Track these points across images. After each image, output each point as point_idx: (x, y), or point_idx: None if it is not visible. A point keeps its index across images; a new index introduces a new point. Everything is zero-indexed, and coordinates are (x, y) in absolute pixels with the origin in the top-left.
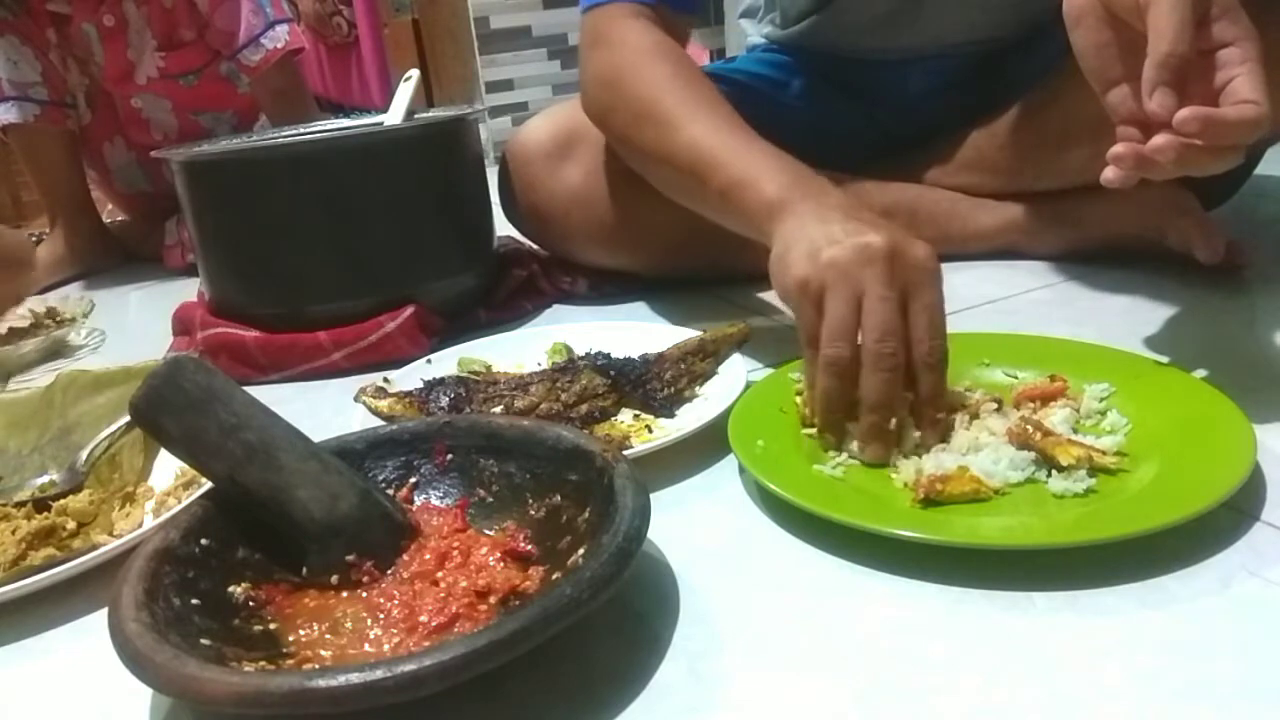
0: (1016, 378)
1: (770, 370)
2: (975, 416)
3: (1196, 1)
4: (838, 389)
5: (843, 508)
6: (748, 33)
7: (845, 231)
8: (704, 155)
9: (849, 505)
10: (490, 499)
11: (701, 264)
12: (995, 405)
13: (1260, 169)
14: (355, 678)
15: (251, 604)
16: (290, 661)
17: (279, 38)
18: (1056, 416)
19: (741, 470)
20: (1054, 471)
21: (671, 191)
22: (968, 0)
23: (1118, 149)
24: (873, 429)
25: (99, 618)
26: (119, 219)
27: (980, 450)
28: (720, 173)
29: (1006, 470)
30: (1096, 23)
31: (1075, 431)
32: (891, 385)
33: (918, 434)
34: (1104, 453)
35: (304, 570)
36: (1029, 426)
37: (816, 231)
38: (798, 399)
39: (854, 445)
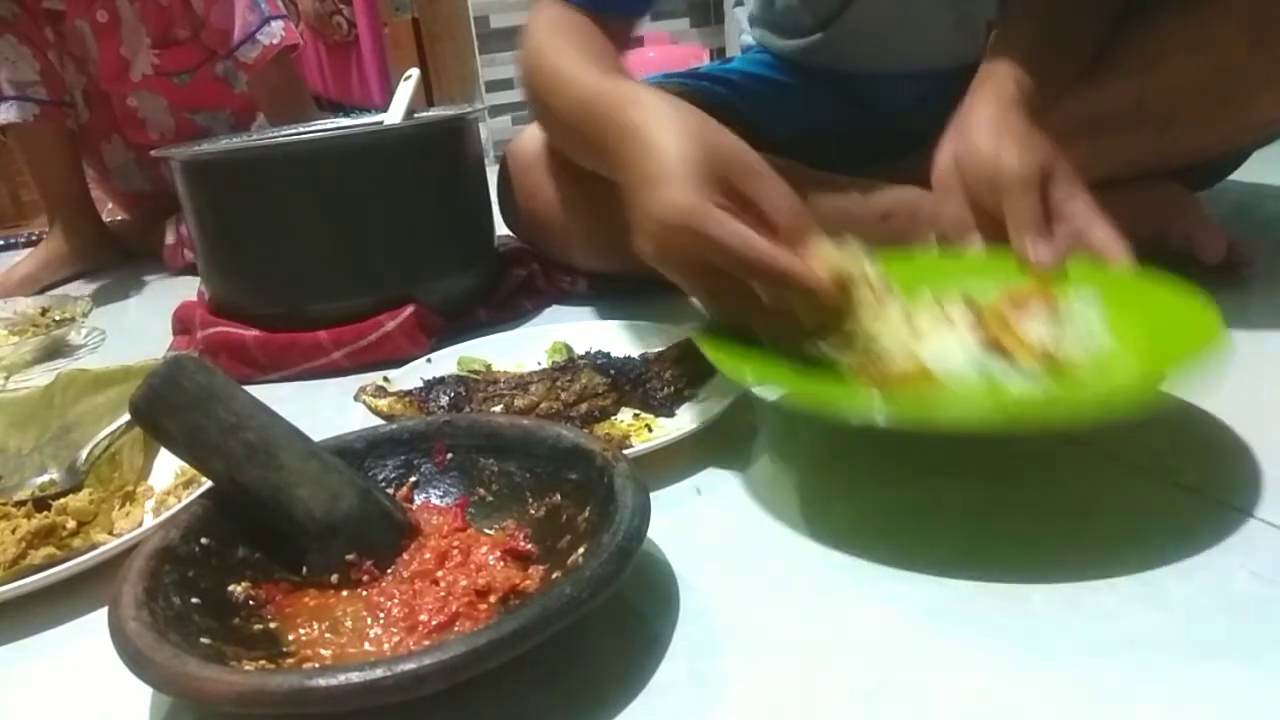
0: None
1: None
2: (945, 315)
3: (1040, 189)
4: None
5: (805, 390)
6: (741, 29)
7: (645, 209)
8: (576, 112)
9: (812, 389)
10: (490, 498)
11: None
12: (965, 304)
13: (1260, 168)
14: (355, 677)
15: (251, 603)
16: (290, 660)
17: (274, 33)
18: (1031, 316)
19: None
20: (1013, 367)
21: (583, 160)
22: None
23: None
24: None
25: (99, 617)
26: (119, 218)
27: (941, 345)
28: (592, 128)
29: (963, 362)
30: (958, 193)
31: (1049, 331)
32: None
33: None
34: (1068, 354)
35: (304, 569)
36: (992, 321)
37: (638, 205)
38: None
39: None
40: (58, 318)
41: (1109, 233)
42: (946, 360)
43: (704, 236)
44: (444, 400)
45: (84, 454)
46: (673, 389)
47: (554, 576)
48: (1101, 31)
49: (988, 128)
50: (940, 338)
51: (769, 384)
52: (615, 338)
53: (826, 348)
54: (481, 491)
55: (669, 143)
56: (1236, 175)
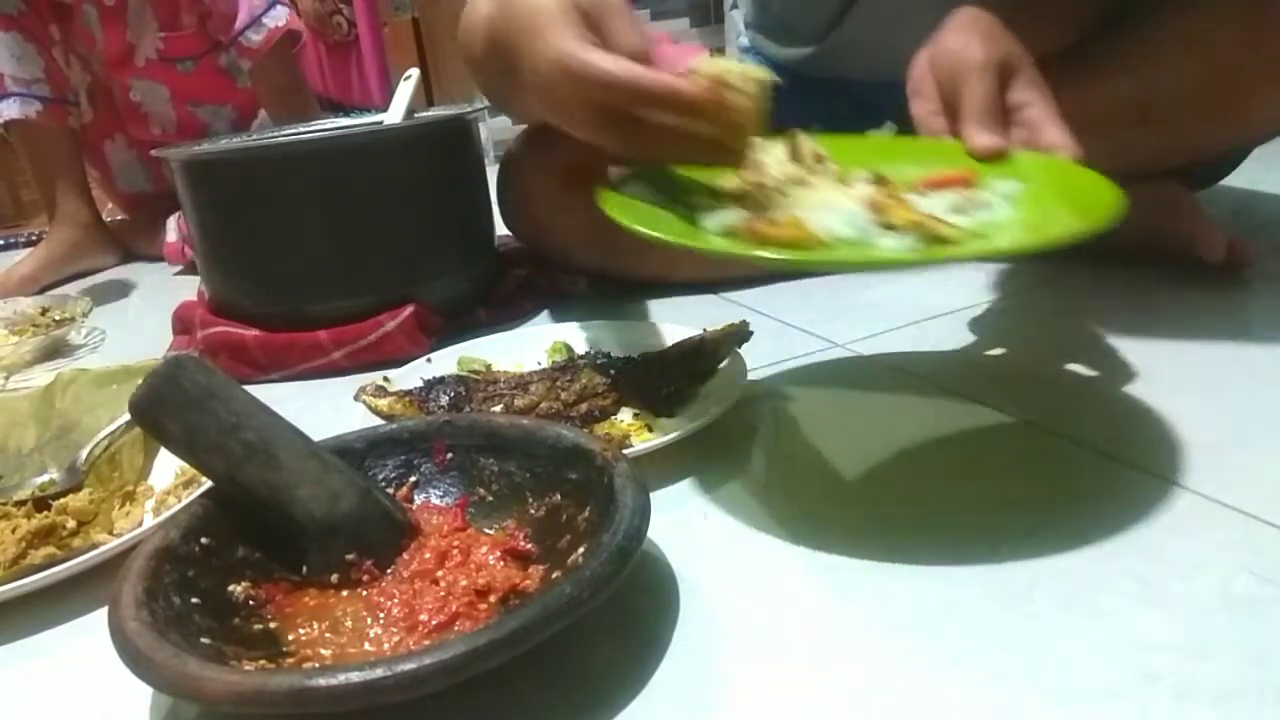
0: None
1: (770, 368)
2: (844, 186)
3: (996, 82)
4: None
5: (667, 230)
6: (739, 30)
7: (532, 65)
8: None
9: (674, 230)
10: (490, 498)
11: (703, 273)
12: (871, 178)
13: (1260, 169)
14: (355, 676)
15: (251, 603)
16: (290, 660)
17: (279, 17)
18: (940, 199)
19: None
20: (887, 233)
21: (501, 91)
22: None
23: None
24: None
25: (99, 616)
26: (119, 218)
27: (828, 207)
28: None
29: (839, 225)
30: (930, 94)
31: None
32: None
33: None
34: (946, 224)
35: (304, 569)
36: (884, 192)
37: (526, 66)
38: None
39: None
40: (58, 317)
41: (1061, 134)
42: (824, 220)
43: (583, 76)
44: (444, 400)
45: (84, 454)
46: (673, 389)
47: (554, 576)
48: (1070, 26)
49: (957, 27)
50: (830, 201)
51: (654, 235)
52: (615, 338)
53: (719, 203)
54: (481, 491)
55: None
56: (1236, 176)
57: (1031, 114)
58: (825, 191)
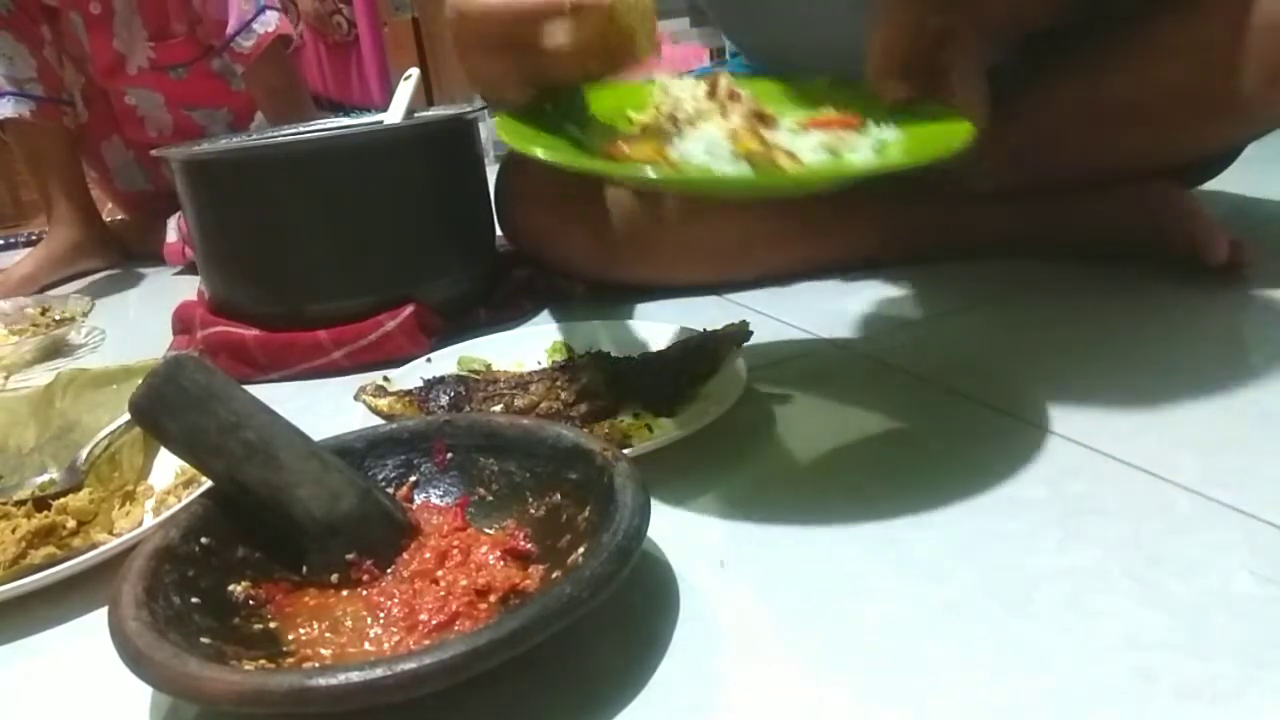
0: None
1: (770, 368)
2: (724, 120)
3: (923, 39)
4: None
5: (539, 141)
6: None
7: (447, 16)
8: None
9: (546, 143)
10: (490, 498)
11: (701, 279)
12: (752, 114)
13: (1260, 168)
14: (355, 676)
15: (251, 602)
16: (290, 660)
17: (270, 22)
18: (811, 138)
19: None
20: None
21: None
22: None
23: None
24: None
25: (99, 616)
26: (119, 218)
27: (693, 138)
28: None
29: (697, 152)
30: (880, 49)
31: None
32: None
33: None
34: (787, 156)
35: (304, 569)
36: (748, 126)
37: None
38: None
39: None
40: (58, 317)
41: (968, 95)
42: (687, 148)
43: (469, 11)
44: (444, 400)
45: (84, 453)
46: (673, 389)
47: (554, 576)
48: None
49: None
50: (702, 132)
51: (547, 154)
52: (615, 338)
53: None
54: (481, 491)
55: None
56: (1237, 176)
57: (953, 76)
58: (705, 124)
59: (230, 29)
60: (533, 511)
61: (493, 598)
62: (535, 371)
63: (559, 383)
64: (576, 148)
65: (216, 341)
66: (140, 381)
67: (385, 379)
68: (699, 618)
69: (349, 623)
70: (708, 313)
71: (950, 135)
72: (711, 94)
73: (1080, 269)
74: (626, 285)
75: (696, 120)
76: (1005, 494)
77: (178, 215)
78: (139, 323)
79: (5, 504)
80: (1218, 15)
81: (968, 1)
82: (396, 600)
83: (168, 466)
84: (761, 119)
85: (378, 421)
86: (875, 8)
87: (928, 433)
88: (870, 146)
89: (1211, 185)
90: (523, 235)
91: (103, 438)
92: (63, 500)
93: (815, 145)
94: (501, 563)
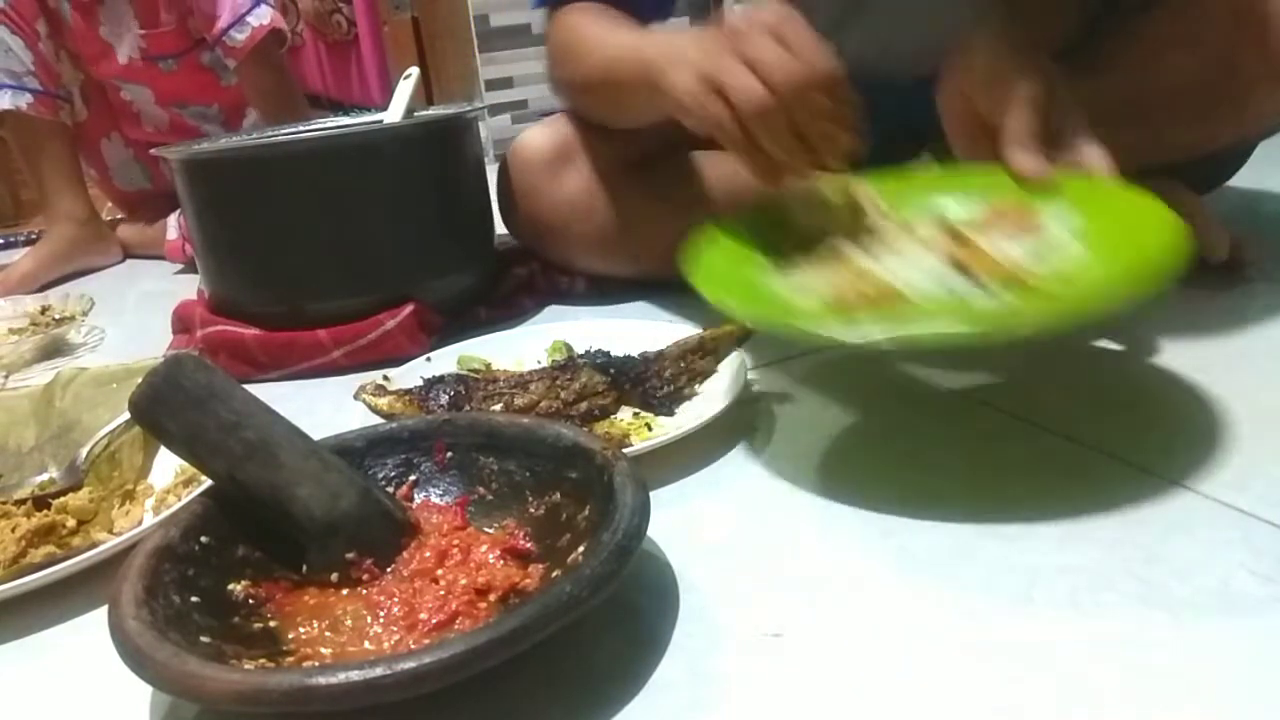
0: (995, 209)
1: (770, 368)
2: (917, 233)
3: (1040, 111)
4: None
5: (750, 301)
6: None
7: (698, 42)
8: (609, 62)
9: (757, 301)
10: (490, 497)
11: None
12: (940, 225)
13: (1260, 167)
14: (355, 675)
15: (251, 602)
16: (290, 659)
17: (263, 16)
18: (1008, 238)
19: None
20: (974, 285)
21: (610, 113)
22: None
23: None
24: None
25: (99, 615)
26: (118, 217)
27: (907, 262)
28: (618, 68)
29: (925, 280)
30: (963, 116)
31: (1024, 253)
32: (808, 92)
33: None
34: (1029, 270)
35: (304, 568)
36: (959, 242)
37: (682, 55)
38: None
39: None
40: (57, 316)
41: (1099, 153)
42: (913, 279)
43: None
44: (444, 399)
45: (84, 452)
46: (672, 388)
47: (554, 575)
48: (1071, 25)
49: (992, 50)
50: (910, 257)
51: (753, 316)
52: (615, 336)
53: (801, 263)
54: (481, 490)
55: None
56: (1238, 175)
57: (1069, 136)
58: (900, 243)
59: (223, 22)
60: (532, 510)
61: (493, 597)
62: (535, 370)
63: (559, 382)
64: (769, 283)
65: (216, 340)
66: (140, 381)
67: (385, 378)
68: (698, 616)
69: (349, 622)
70: (707, 312)
71: (1142, 208)
72: (848, 201)
73: None
74: (628, 279)
75: (882, 239)
76: (1005, 492)
77: (178, 212)
78: (139, 322)
79: (5, 503)
80: (1219, 12)
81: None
82: (396, 599)
83: (167, 466)
84: (949, 229)
85: (377, 420)
86: (996, 87)
87: (926, 431)
88: (1064, 237)
89: None
90: (523, 225)
91: (102, 437)
92: (62, 499)
93: (1016, 248)
94: (501, 562)
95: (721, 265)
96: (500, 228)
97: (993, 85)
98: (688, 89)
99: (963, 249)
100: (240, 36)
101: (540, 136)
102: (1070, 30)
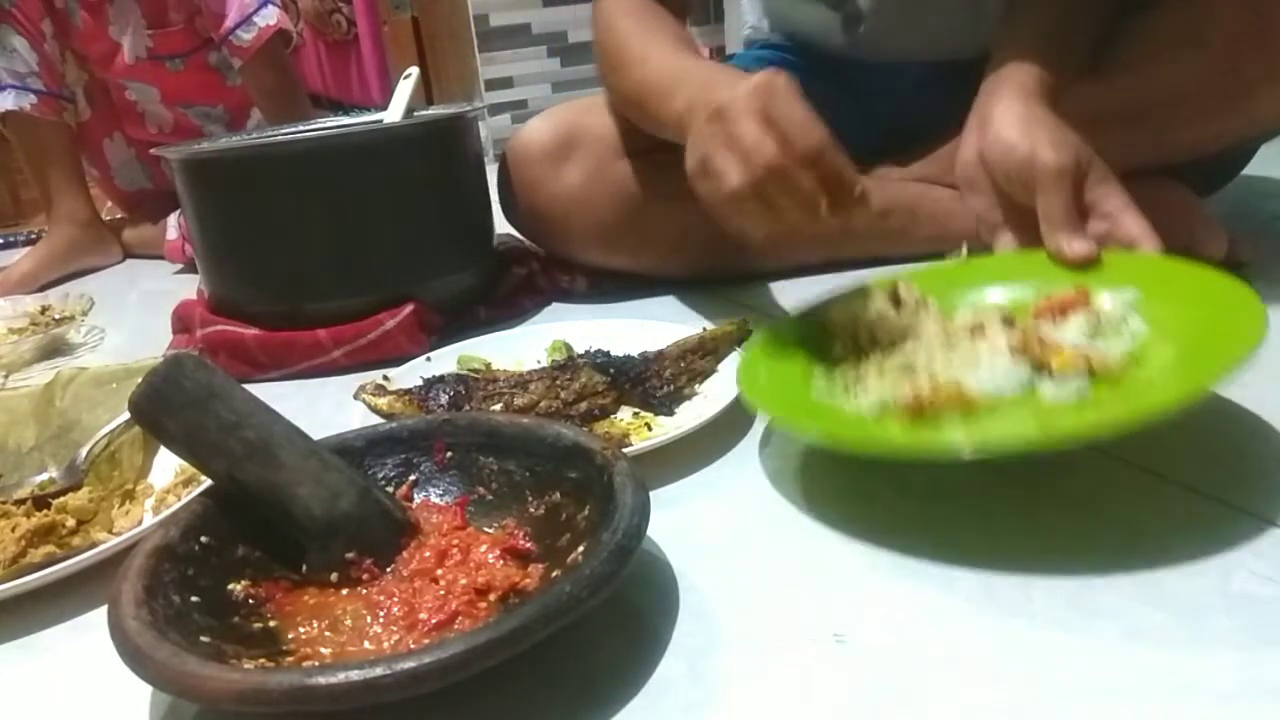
0: (1049, 294)
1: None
2: (981, 335)
3: (1074, 187)
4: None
5: (824, 425)
6: (744, 21)
7: (708, 115)
8: (648, 90)
9: (831, 425)
10: (490, 496)
11: (700, 265)
12: (1002, 321)
13: (1259, 167)
14: (355, 675)
15: (251, 601)
16: (290, 659)
17: (270, 16)
18: (1071, 326)
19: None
20: (1050, 378)
21: (646, 128)
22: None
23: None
24: (810, 222)
25: (98, 615)
26: (119, 217)
27: (978, 365)
28: (651, 105)
29: (1001, 382)
30: (987, 190)
31: (1092, 340)
32: (786, 180)
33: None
34: (1102, 357)
35: (304, 568)
36: (1028, 337)
37: (696, 132)
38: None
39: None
40: (57, 316)
41: (1141, 225)
42: (987, 381)
43: (776, 96)
44: (443, 399)
45: (84, 452)
46: (672, 387)
47: (554, 575)
48: (1103, 23)
49: (1015, 122)
50: (979, 358)
51: (828, 436)
52: (615, 336)
53: (868, 376)
54: (481, 490)
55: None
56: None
57: (1108, 208)
58: (960, 341)
59: (230, 21)
60: (532, 510)
61: (492, 596)
62: (535, 370)
63: (559, 381)
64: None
65: (216, 340)
66: (140, 380)
67: (385, 378)
68: (698, 615)
69: (349, 621)
70: (708, 311)
71: (1202, 279)
72: (896, 303)
73: None
74: (628, 275)
75: (941, 338)
76: (1005, 492)
77: (178, 213)
78: (139, 321)
79: (5, 503)
80: (1220, 10)
81: (1055, 71)
82: (396, 599)
83: (167, 465)
84: (1010, 322)
85: (377, 420)
86: (1023, 162)
87: None
88: (1128, 316)
89: None
90: (524, 218)
91: (102, 436)
92: (62, 499)
93: (1082, 333)
94: (501, 561)
95: (779, 381)
96: (500, 226)
97: (1019, 159)
98: (689, 167)
99: (1030, 342)
100: (247, 36)
101: (540, 129)
102: (1100, 32)
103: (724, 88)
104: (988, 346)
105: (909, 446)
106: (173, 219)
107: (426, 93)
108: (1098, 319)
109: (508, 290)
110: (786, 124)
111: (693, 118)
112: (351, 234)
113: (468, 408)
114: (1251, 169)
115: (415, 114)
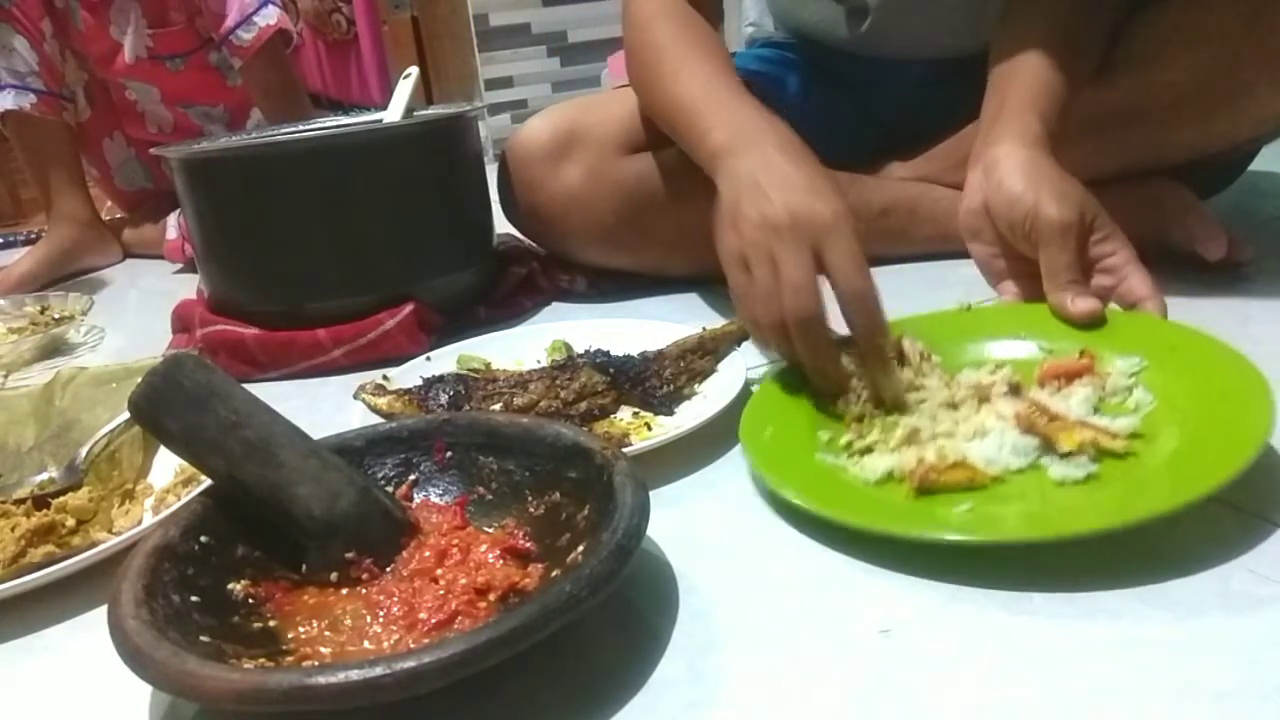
0: (1051, 351)
1: (770, 367)
2: (986, 400)
3: (1078, 242)
4: (783, 348)
5: (829, 501)
6: (745, 19)
7: (754, 201)
8: (681, 108)
9: (836, 499)
10: (490, 496)
11: (700, 264)
12: (1008, 388)
13: (1260, 167)
14: (355, 675)
15: (251, 601)
16: (290, 659)
17: (270, 16)
18: (1077, 396)
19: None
20: (1058, 456)
21: (673, 138)
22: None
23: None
24: (818, 377)
25: (98, 615)
26: (119, 216)
27: (985, 436)
28: (686, 123)
29: (1008, 456)
30: (990, 239)
31: (1096, 411)
32: (812, 334)
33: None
34: (1113, 435)
35: (303, 567)
36: (1034, 410)
37: (738, 197)
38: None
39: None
40: (57, 315)
41: (1146, 284)
42: (994, 454)
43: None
44: (443, 398)
45: (83, 452)
46: (672, 387)
47: (553, 574)
48: (1109, 26)
49: (1019, 172)
50: (985, 428)
51: (823, 509)
52: (615, 336)
53: (869, 440)
54: (481, 490)
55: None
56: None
57: (1113, 263)
58: (965, 407)
59: (230, 21)
60: (532, 510)
61: (492, 596)
62: (535, 370)
63: (558, 381)
64: (825, 462)
65: (216, 340)
66: (140, 380)
67: (385, 377)
68: (698, 615)
69: (348, 621)
70: (708, 311)
71: (1203, 349)
72: (901, 360)
73: None
74: (628, 275)
75: (945, 403)
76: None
77: (178, 212)
78: (139, 321)
79: (5, 502)
80: (1220, 10)
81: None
82: (396, 599)
83: (167, 465)
84: (1015, 390)
85: (377, 420)
86: (1027, 216)
87: None
88: (1133, 388)
89: None
90: (524, 217)
91: (102, 436)
92: (62, 499)
93: (1087, 406)
94: (501, 561)
95: (782, 439)
96: (500, 225)
97: (1023, 212)
98: (725, 249)
99: (1036, 417)
100: (247, 36)
101: (540, 128)
102: (1106, 36)
103: (771, 149)
104: (994, 416)
105: (912, 534)
106: (173, 219)
107: (426, 92)
108: (1103, 388)
109: (507, 290)
110: (835, 273)
111: (732, 171)
112: (351, 234)
113: (467, 407)
114: (1251, 169)
115: (415, 114)
